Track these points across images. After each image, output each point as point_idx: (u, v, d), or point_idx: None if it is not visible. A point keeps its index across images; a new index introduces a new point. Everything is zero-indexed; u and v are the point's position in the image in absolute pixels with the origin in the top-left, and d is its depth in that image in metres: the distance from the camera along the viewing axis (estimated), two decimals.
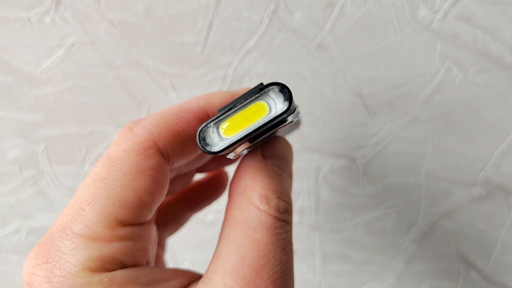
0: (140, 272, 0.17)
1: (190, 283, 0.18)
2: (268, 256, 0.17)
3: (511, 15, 0.29)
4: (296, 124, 0.25)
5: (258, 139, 0.18)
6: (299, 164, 0.33)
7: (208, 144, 0.16)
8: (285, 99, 0.16)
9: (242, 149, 0.18)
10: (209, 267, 0.18)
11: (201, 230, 0.36)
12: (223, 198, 0.29)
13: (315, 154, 0.33)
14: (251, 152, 0.20)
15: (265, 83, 0.17)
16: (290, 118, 0.17)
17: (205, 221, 0.35)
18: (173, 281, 0.18)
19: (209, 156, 0.23)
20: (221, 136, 0.17)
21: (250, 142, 0.17)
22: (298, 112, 0.19)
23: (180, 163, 0.20)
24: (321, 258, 0.36)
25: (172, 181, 0.23)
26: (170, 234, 0.25)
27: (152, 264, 0.19)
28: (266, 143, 0.21)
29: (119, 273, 0.16)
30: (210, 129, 0.17)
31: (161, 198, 0.19)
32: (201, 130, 0.17)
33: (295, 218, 0.35)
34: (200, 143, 0.16)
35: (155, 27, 0.29)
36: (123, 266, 0.17)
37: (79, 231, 0.16)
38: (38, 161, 0.32)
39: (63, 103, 0.30)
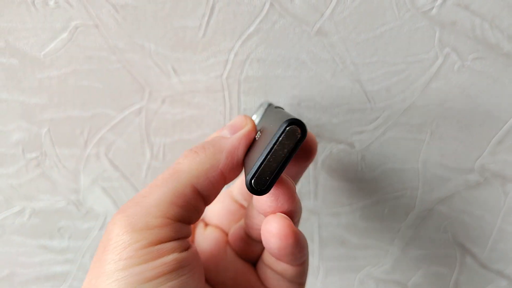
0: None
1: None
2: None
3: (510, 2, 0.29)
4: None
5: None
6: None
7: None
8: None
9: None
10: None
11: None
12: None
13: None
14: None
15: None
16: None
17: None
18: None
19: None
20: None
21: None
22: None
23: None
24: (319, 243, 0.37)
25: None
26: None
27: None
28: None
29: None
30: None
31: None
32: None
33: None
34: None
35: (158, 11, 0.29)
36: None
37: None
38: (41, 143, 0.32)
39: (66, 86, 0.31)
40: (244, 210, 0.28)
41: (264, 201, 0.20)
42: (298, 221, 0.22)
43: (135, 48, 0.30)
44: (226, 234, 0.27)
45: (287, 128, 0.17)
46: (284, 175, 0.20)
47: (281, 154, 0.17)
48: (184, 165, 0.21)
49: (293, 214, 0.20)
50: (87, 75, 0.31)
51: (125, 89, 0.31)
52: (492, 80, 0.31)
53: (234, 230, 0.26)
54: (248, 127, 0.22)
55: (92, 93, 0.31)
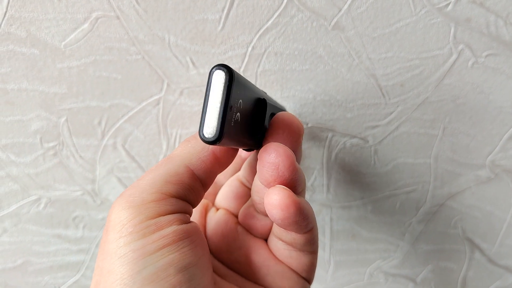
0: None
1: None
2: None
3: None
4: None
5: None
6: (312, 143, 0.34)
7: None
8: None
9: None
10: None
11: None
12: None
13: (328, 133, 0.33)
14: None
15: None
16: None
17: None
18: None
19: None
20: None
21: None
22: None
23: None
24: (330, 236, 0.37)
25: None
26: None
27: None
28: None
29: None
30: None
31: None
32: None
33: (307, 195, 0.36)
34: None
35: (178, 3, 0.29)
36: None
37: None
38: (59, 133, 0.33)
39: (86, 76, 0.31)
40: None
41: (265, 171, 0.20)
42: (303, 191, 0.23)
43: (155, 40, 0.30)
44: (236, 216, 0.28)
45: (213, 73, 0.18)
46: (282, 145, 0.21)
47: (217, 99, 0.18)
48: (176, 151, 0.22)
49: (295, 183, 0.21)
50: (107, 66, 0.31)
51: (143, 80, 0.32)
52: (506, 77, 0.32)
53: (243, 209, 0.27)
54: None
55: (111, 84, 0.32)
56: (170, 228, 0.20)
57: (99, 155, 0.34)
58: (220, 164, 0.22)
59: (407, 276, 0.39)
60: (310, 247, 0.24)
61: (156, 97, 0.32)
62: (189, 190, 0.21)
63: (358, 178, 0.35)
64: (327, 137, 0.34)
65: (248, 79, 0.32)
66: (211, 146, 0.22)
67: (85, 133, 0.33)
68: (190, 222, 0.21)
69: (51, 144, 0.33)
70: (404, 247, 0.38)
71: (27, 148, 0.33)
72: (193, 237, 0.20)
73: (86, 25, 0.30)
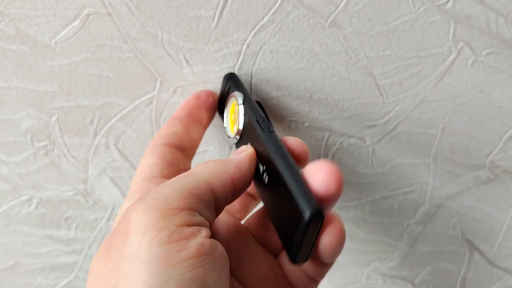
0: None
1: None
2: None
3: None
4: None
5: None
6: (309, 143, 0.33)
7: None
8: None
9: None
10: None
11: None
12: None
13: (325, 132, 0.33)
14: None
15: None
16: None
17: None
18: None
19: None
20: None
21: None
22: None
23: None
24: None
25: None
26: None
27: None
28: None
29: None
30: None
31: None
32: None
33: None
34: None
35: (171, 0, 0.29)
36: None
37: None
38: (50, 132, 0.32)
39: (77, 74, 0.31)
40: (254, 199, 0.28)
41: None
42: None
43: (147, 37, 0.30)
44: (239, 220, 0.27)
45: (309, 224, 0.19)
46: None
47: (310, 236, 0.20)
48: (198, 168, 0.22)
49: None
50: (98, 64, 0.30)
51: (136, 78, 0.31)
52: (506, 76, 0.31)
53: (254, 217, 0.26)
54: (248, 150, 0.24)
55: (103, 82, 0.31)
56: (195, 240, 0.19)
57: (91, 155, 0.33)
58: (235, 189, 0.22)
59: (406, 278, 0.38)
60: (320, 277, 0.24)
61: (149, 95, 0.31)
62: (208, 208, 0.21)
63: (355, 178, 0.34)
64: (323, 136, 0.33)
65: (243, 77, 0.31)
66: (231, 172, 0.22)
67: (77, 132, 0.32)
68: (211, 238, 0.20)
69: (42, 144, 0.33)
70: (402, 248, 0.37)
71: (18, 148, 0.33)
72: (215, 253, 0.20)
73: (77, 22, 0.29)
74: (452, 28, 0.30)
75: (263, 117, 0.25)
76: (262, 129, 0.24)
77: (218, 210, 0.22)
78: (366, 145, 0.33)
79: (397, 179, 0.34)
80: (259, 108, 0.27)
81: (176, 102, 0.31)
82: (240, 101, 0.27)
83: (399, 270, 0.38)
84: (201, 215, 0.20)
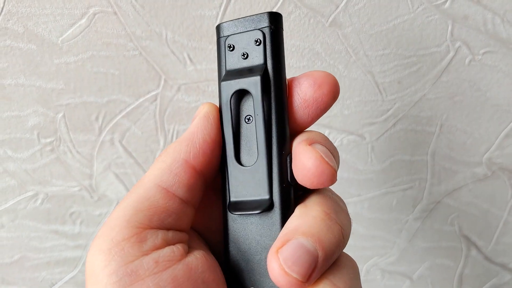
0: None
1: None
2: None
3: None
4: None
5: None
6: None
7: None
8: None
9: None
10: None
11: None
12: None
13: (325, 129, 0.33)
14: None
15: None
16: None
17: None
18: None
19: None
20: None
21: None
22: None
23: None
24: None
25: None
26: None
27: None
28: None
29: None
30: None
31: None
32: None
33: None
34: None
35: None
36: None
37: None
38: (56, 128, 0.33)
39: (83, 72, 0.31)
40: None
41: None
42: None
43: (152, 36, 0.30)
44: None
45: None
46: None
47: None
48: (147, 172, 0.19)
49: None
50: (104, 62, 0.31)
51: (141, 76, 0.32)
52: (503, 74, 0.32)
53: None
54: (201, 112, 0.19)
55: (108, 80, 0.32)
56: (151, 279, 0.16)
57: (96, 151, 0.34)
58: (201, 175, 0.19)
59: (404, 273, 0.39)
60: None
61: (153, 93, 0.32)
62: (168, 214, 0.17)
63: (354, 175, 0.35)
64: (324, 133, 0.34)
65: None
66: (182, 155, 0.18)
67: (83, 129, 0.33)
68: (184, 256, 0.17)
69: (48, 140, 0.33)
70: (400, 244, 0.38)
71: (24, 144, 0.33)
72: (187, 283, 0.16)
73: (83, 21, 0.30)
74: (450, 27, 0.30)
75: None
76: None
77: (191, 203, 0.19)
78: (365, 142, 0.34)
79: (396, 175, 0.35)
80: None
81: (180, 100, 0.32)
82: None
83: (398, 265, 0.39)
84: (161, 228, 0.17)
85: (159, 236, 0.17)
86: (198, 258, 0.17)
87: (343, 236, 0.18)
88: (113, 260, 0.16)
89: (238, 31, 0.19)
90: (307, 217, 0.17)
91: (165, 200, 0.18)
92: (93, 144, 0.33)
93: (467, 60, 0.31)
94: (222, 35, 0.20)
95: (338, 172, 0.35)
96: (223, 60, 0.20)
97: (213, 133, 0.19)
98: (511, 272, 0.39)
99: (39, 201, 0.35)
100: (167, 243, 0.17)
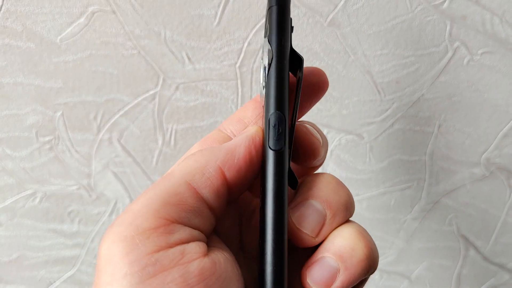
0: None
1: None
2: None
3: None
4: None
5: None
6: None
7: None
8: None
9: None
10: None
11: None
12: None
13: (324, 129, 0.33)
14: None
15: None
16: None
17: None
18: None
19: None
20: None
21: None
22: None
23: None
24: None
25: None
26: None
27: None
28: None
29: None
30: None
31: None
32: None
33: None
34: None
35: None
36: None
37: None
38: (54, 127, 0.33)
39: (82, 70, 0.31)
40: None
41: None
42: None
43: (151, 35, 0.30)
44: None
45: None
46: None
47: None
48: (177, 167, 0.18)
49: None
50: (103, 61, 0.31)
51: (139, 75, 0.32)
52: (501, 75, 0.32)
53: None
54: (249, 132, 0.19)
55: (107, 79, 0.32)
56: (176, 270, 0.15)
57: (94, 150, 0.34)
58: (229, 189, 0.18)
59: (402, 273, 0.39)
60: None
61: (152, 92, 0.32)
62: (195, 214, 0.17)
63: (353, 174, 0.35)
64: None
65: (244, 75, 0.32)
66: (218, 161, 0.18)
67: (81, 128, 0.33)
68: (207, 254, 0.16)
69: (46, 139, 0.33)
70: (399, 244, 0.38)
71: (23, 142, 0.33)
72: (212, 278, 0.16)
73: (82, 20, 0.30)
74: (448, 27, 0.30)
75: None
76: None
77: (215, 211, 0.18)
78: (364, 142, 0.34)
79: (394, 175, 0.35)
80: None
81: (178, 99, 0.32)
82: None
83: (396, 265, 0.39)
84: (187, 225, 0.17)
85: (186, 231, 0.16)
86: (222, 256, 0.17)
87: (349, 198, 0.20)
88: (137, 248, 0.15)
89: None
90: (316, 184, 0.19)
91: (194, 200, 0.17)
92: (92, 143, 0.33)
93: (465, 60, 0.31)
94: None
95: (336, 172, 0.35)
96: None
97: (254, 156, 0.18)
98: (509, 272, 0.39)
99: (37, 200, 0.35)
100: (193, 240, 0.17)
